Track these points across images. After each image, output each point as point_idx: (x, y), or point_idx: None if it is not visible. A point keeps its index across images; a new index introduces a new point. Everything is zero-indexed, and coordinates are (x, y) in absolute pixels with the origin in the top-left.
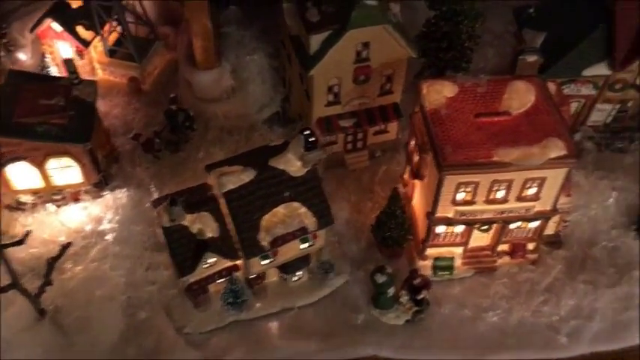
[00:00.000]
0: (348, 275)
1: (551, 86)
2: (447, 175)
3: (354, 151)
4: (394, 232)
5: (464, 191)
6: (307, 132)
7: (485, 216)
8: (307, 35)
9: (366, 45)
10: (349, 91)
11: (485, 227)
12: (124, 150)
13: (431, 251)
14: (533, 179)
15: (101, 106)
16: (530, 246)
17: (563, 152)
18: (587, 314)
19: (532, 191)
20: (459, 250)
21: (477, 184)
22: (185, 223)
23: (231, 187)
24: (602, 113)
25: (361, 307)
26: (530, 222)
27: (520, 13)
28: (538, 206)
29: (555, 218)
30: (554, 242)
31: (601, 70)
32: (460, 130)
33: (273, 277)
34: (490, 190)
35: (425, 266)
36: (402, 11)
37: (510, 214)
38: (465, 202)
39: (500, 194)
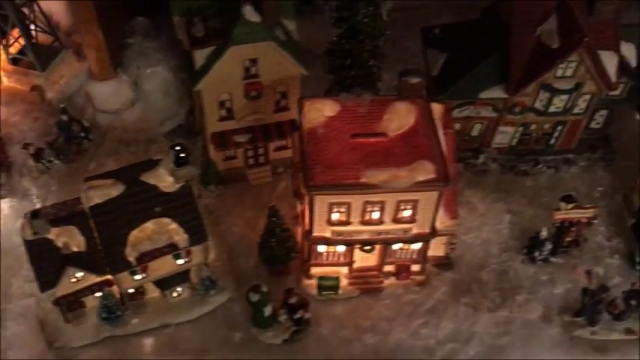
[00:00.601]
0: (232, 292)
1: (439, 108)
2: (315, 196)
3: (257, 166)
4: (276, 251)
5: (338, 211)
6: (177, 147)
7: (362, 237)
8: (192, 50)
9: (253, 61)
10: (242, 107)
11: (368, 248)
12: (16, 160)
13: (316, 270)
14: (405, 201)
15: (3, 114)
16: (417, 267)
17: (431, 175)
18: (465, 338)
19: (407, 213)
20: (345, 269)
21: (349, 205)
22: (50, 236)
23: (97, 201)
24: (505, 135)
25: (240, 326)
26: (411, 244)
27: (427, 33)
28: (416, 228)
29: (443, 240)
30: (445, 264)
31: (497, 93)
32: (334, 150)
33: (154, 292)
34: (364, 211)
35: (310, 285)
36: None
37: (388, 236)
38: (341, 223)
39: (375, 215)
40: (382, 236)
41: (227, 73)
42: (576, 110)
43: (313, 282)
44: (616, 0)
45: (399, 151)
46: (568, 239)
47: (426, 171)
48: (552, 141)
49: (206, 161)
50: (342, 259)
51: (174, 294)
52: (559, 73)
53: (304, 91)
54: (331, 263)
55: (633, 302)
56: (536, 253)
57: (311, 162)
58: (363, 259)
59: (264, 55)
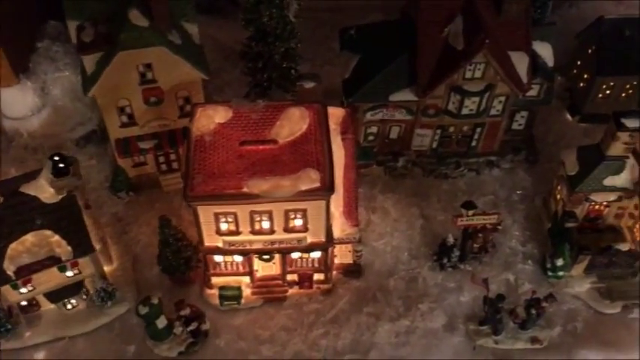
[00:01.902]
0: (132, 303)
1: (339, 112)
2: (196, 206)
3: (169, 172)
4: (173, 261)
5: (226, 221)
6: (56, 157)
7: (256, 246)
8: (79, 55)
9: (148, 66)
10: (143, 113)
11: (267, 257)
12: None
13: (217, 280)
14: (294, 210)
15: None
16: (321, 276)
17: (315, 184)
18: (364, 349)
19: (298, 222)
20: (247, 279)
21: (236, 215)
22: None
23: None
24: (423, 138)
25: (137, 338)
26: (307, 253)
27: (343, 34)
28: (310, 237)
29: (349, 247)
30: (353, 272)
31: (407, 95)
32: (219, 159)
33: (49, 305)
34: (253, 221)
35: (212, 295)
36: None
37: (282, 245)
38: (231, 232)
39: (265, 225)
40: (276, 246)
41: (120, 78)
42: (493, 112)
43: (215, 292)
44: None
45: (287, 159)
46: (476, 245)
47: (310, 180)
48: (474, 143)
49: (115, 168)
50: (242, 269)
51: (69, 306)
52: (468, 75)
53: (227, 94)
54: (232, 273)
55: (533, 311)
56: (445, 260)
57: (193, 171)
58: (265, 268)
59: (158, 60)
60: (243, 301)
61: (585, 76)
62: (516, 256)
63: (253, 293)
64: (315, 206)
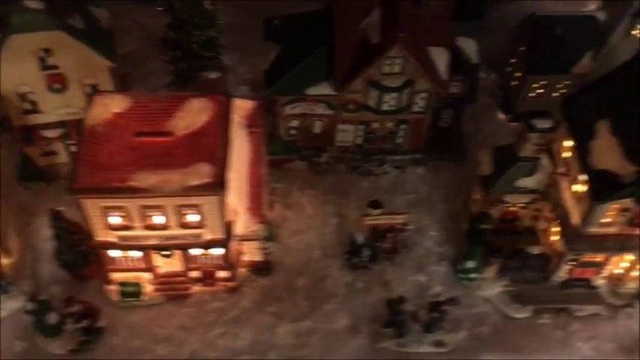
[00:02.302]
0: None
1: (247, 105)
2: (81, 199)
3: None
4: (68, 256)
5: (116, 215)
6: None
7: (151, 242)
8: None
9: (47, 51)
10: (48, 100)
11: (167, 253)
12: None
13: (117, 276)
14: (186, 206)
15: None
16: (226, 273)
17: (206, 180)
18: (263, 349)
19: (193, 218)
20: (149, 275)
21: (126, 209)
22: None
23: None
24: (347, 134)
25: (29, 334)
26: (206, 249)
27: (268, 23)
28: (208, 233)
29: (257, 244)
30: (263, 269)
31: (325, 89)
32: (110, 150)
33: None
34: (145, 216)
35: (112, 291)
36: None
37: (179, 241)
38: (124, 227)
39: (158, 220)
40: (172, 242)
41: (18, 63)
42: (416, 109)
43: (114, 288)
44: None
45: (181, 152)
46: (386, 245)
47: (200, 175)
48: (399, 140)
49: (23, 157)
50: (142, 265)
51: None
52: (386, 69)
53: (152, 82)
54: (132, 269)
55: (436, 314)
56: (356, 260)
57: (80, 162)
58: (168, 264)
59: (57, 45)
60: (144, 297)
61: (517, 74)
62: (431, 257)
63: (155, 290)
64: (209, 202)
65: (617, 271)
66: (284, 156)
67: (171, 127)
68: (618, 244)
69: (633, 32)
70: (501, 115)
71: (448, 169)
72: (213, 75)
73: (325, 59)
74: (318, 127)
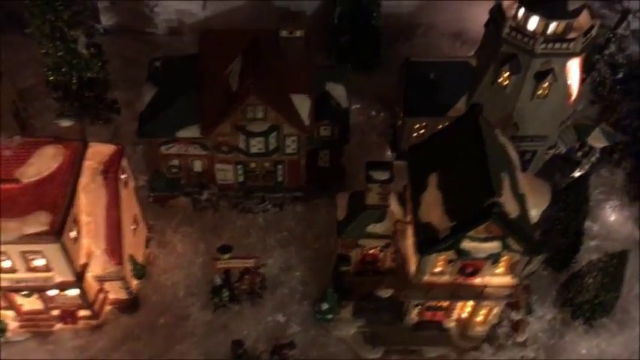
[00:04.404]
0: None
1: (106, 150)
2: None
3: None
4: None
5: None
6: None
7: (4, 284)
8: None
9: None
10: None
11: (26, 293)
12: None
13: None
14: (30, 252)
15: None
16: (88, 311)
17: (43, 228)
18: None
19: (40, 262)
20: (12, 312)
21: None
22: None
23: None
24: (226, 172)
25: None
26: (63, 290)
27: (151, 64)
28: (57, 276)
29: (119, 283)
30: (129, 307)
31: (194, 132)
32: None
33: None
34: None
35: None
36: None
37: (31, 284)
38: None
39: (5, 264)
40: (23, 284)
41: None
42: (289, 150)
43: None
44: (300, 42)
45: (24, 200)
46: (244, 287)
47: (38, 223)
48: (280, 179)
49: None
50: (3, 303)
51: None
52: (249, 115)
53: (47, 118)
54: None
55: (276, 357)
56: (216, 299)
57: None
58: (30, 302)
59: None
60: (8, 334)
61: (401, 114)
62: (294, 297)
63: (20, 326)
64: (51, 248)
65: (464, 315)
66: (167, 193)
67: (20, 174)
68: (449, 292)
69: (499, 80)
70: (389, 153)
71: (327, 208)
72: (65, 123)
73: (196, 103)
74: (198, 165)
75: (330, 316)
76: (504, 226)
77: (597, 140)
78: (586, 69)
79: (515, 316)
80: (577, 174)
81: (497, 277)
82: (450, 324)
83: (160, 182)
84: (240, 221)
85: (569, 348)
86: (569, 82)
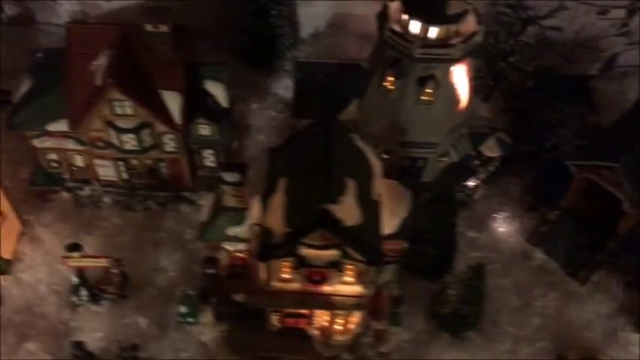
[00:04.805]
0: None
1: None
2: None
3: None
4: None
5: None
6: None
7: None
8: None
9: None
10: None
11: None
12: None
13: None
14: None
15: None
16: None
17: None
18: None
19: None
20: None
21: None
22: None
23: None
24: (107, 169)
25: None
26: None
27: (33, 54)
28: None
29: None
30: None
31: (62, 126)
32: None
33: None
34: None
35: None
36: None
37: None
38: None
39: None
40: None
41: None
42: (167, 148)
43: None
44: (165, 37)
45: None
46: (102, 287)
47: None
48: (165, 177)
49: None
50: None
51: None
52: (118, 111)
53: None
54: None
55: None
56: (75, 299)
57: None
58: None
59: None
60: None
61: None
62: (160, 299)
63: None
64: None
65: (324, 323)
66: (47, 187)
67: None
68: (298, 300)
69: (385, 84)
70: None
71: None
72: None
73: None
74: (79, 160)
75: (191, 320)
76: (337, 235)
77: (491, 149)
78: (492, 77)
79: (377, 326)
80: (471, 183)
81: (348, 286)
82: (314, 332)
83: (40, 176)
84: (117, 219)
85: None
86: (455, 88)
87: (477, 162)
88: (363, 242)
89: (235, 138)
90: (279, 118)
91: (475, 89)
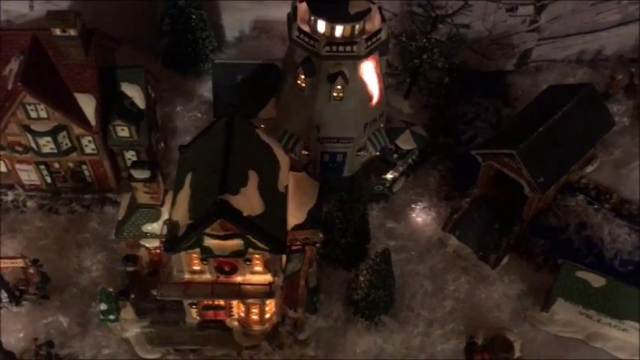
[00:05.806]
0: None
1: None
2: None
3: None
4: None
5: None
6: None
7: None
8: None
9: None
10: None
11: None
12: None
13: None
14: None
15: None
16: None
17: None
18: None
19: None
20: None
21: None
22: None
23: None
24: (29, 173)
25: None
26: None
27: None
28: None
29: None
30: None
31: None
32: None
33: None
34: None
35: None
36: None
37: None
38: None
39: None
40: None
41: None
42: (88, 150)
43: None
44: (74, 41)
45: None
46: (21, 287)
47: None
48: (89, 180)
49: None
50: None
51: None
52: (32, 114)
53: None
54: None
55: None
56: None
57: None
58: None
59: None
60: None
61: None
62: (82, 298)
63: None
64: None
65: (241, 314)
66: None
67: None
68: (209, 290)
69: (297, 82)
70: None
71: None
72: None
73: None
74: (1, 165)
75: (112, 317)
76: (236, 224)
77: (406, 143)
78: (410, 74)
79: (295, 314)
80: (390, 176)
81: (257, 276)
82: (233, 323)
83: None
84: (41, 222)
85: (350, 345)
86: (365, 84)
87: (395, 155)
88: (264, 231)
89: (160, 140)
90: (204, 119)
91: (394, 86)
